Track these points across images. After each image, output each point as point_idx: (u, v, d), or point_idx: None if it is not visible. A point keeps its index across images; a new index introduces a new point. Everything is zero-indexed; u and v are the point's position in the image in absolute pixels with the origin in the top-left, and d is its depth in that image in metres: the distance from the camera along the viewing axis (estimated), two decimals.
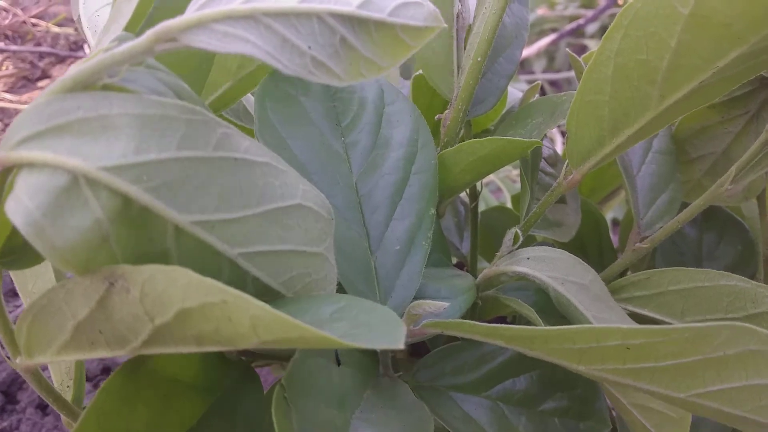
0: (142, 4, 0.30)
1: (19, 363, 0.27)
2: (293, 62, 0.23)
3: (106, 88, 0.24)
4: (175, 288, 0.22)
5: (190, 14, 0.23)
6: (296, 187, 0.27)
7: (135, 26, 0.33)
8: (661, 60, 0.30)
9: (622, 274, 0.47)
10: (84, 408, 0.28)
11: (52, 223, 0.22)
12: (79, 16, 0.40)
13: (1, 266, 0.28)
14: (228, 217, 0.25)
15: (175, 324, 0.23)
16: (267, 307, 0.21)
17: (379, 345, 0.22)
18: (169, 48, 0.23)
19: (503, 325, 0.27)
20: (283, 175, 0.27)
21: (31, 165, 0.22)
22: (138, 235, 0.23)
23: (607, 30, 0.32)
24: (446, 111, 0.43)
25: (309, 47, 0.23)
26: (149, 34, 0.23)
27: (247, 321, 0.21)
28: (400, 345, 0.21)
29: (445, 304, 0.31)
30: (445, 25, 0.24)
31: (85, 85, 0.23)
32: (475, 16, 0.42)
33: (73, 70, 0.23)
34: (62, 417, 0.33)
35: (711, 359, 0.25)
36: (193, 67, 0.37)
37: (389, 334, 0.22)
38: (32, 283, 0.37)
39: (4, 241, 0.27)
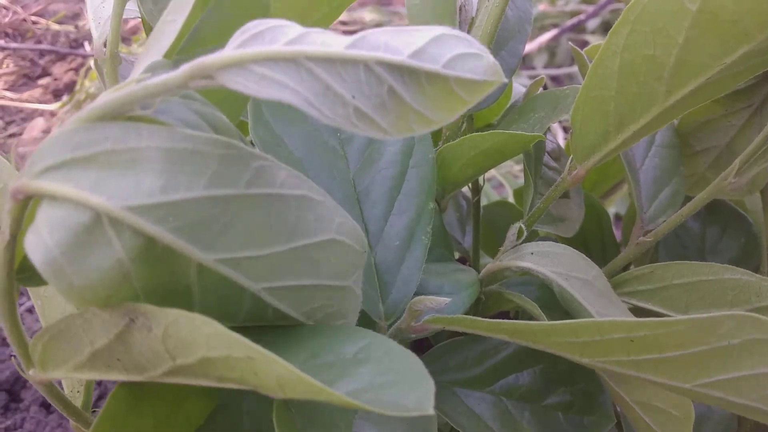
0: (185, 25, 0.29)
1: (33, 375, 0.27)
2: (335, 112, 0.21)
3: (136, 119, 0.23)
4: (199, 336, 0.21)
5: (229, 52, 0.21)
6: (332, 220, 0.26)
7: (177, 41, 0.32)
8: (668, 56, 0.30)
9: (625, 268, 0.46)
10: (93, 412, 0.28)
11: (70, 263, 0.21)
12: (86, 6, 0.39)
13: (18, 282, 0.27)
14: (255, 255, 0.24)
15: (198, 367, 0.22)
16: (293, 369, 0.20)
17: (406, 407, 0.20)
18: (204, 85, 0.22)
19: (505, 320, 0.27)
20: (318, 208, 0.26)
21: (53, 197, 0.21)
22: (160, 271, 0.22)
23: (614, 25, 0.32)
24: None
25: (353, 97, 0.21)
26: (185, 69, 0.21)
27: (274, 380, 0.21)
28: (429, 409, 0.20)
29: (447, 299, 0.31)
30: (506, 80, 0.22)
31: (114, 116, 0.22)
32: (478, 9, 0.42)
33: (104, 98, 0.22)
34: (71, 422, 0.33)
35: (716, 349, 0.24)
36: (232, 94, 0.36)
37: (418, 391, 0.21)
38: (44, 287, 0.36)
39: (22, 259, 0.26)
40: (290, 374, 0.20)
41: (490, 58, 0.22)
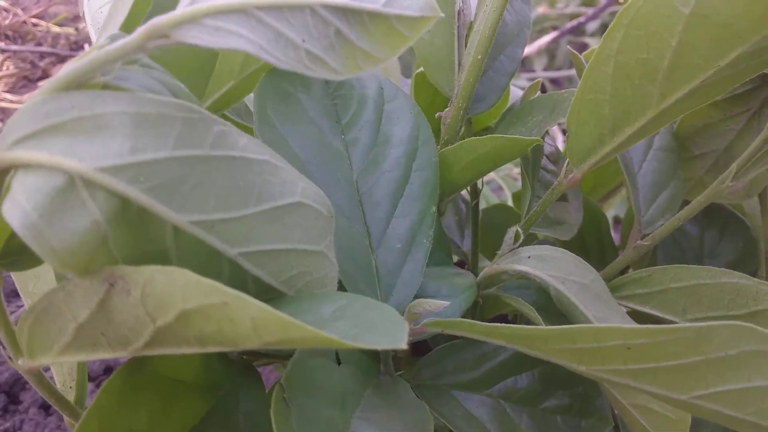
0: (139, 3, 0.30)
1: (22, 364, 0.27)
2: (288, 56, 0.23)
3: (103, 87, 0.24)
4: (175, 289, 0.22)
5: (181, 10, 0.22)
6: (296, 184, 0.27)
7: (134, 25, 0.33)
8: (662, 59, 0.30)
9: (624, 271, 0.46)
10: (86, 408, 0.28)
11: (49, 225, 0.22)
12: (84, 12, 0.40)
13: (1, 268, 0.28)
14: (227, 217, 0.24)
15: (177, 325, 0.23)
16: (267, 307, 0.21)
17: (381, 345, 0.21)
18: (162, 45, 0.22)
19: (503, 324, 0.27)
20: (282, 173, 0.27)
21: (27, 166, 0.22)
22: (137, 235, 0.23)
23: (608, 29, 0.32)
24: (447, 109, 0.43)
25: (303, 40, 0.23)
26: (140, 31, 0.22)
27: (249, 322, 0.21)
28: (403, 345, 0.21)
29: (446, 303, 0.31)
30: (442, 15, 0.24)
31: (79, 84, 0.23)
32: (476, 14, 0.42)
33: (67, 68, 0.23)
34: (65, 417, 0.33)
35: (713, 360, 0.24)
36: (195, 69, 0.37)
37: (391, 334, 0.22)
38: (33, 283, 0.36)
39: (4, 243, 0.27)
40: (264, 313, 0.21)
41: None
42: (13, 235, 0.27)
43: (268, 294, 0.27)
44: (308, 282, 0.28)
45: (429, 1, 0.23)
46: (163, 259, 0.24)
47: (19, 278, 0.38)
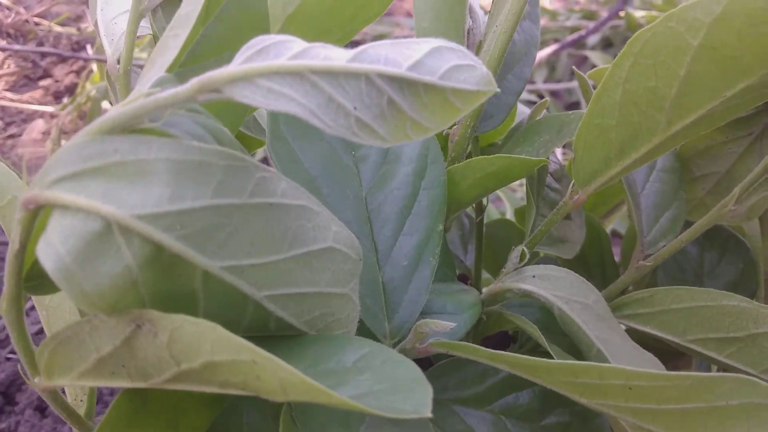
0: (188, 38, 0.29)
1: (38, 383, 0.27)
2: (337, 122, 0.23)
3: (145, 131, 0.24)
4: (203, 341, 0.22)
5: (236, 67, 0.22)
6: (328, 228, 0.27)
7: (181, 53, 0.33)
8: (670, 88, 0.31)
9: (624, 290, 0.47)
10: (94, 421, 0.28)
11: (82, 269, 0.22)
12: (96, 21, 0.40)
13: (25, 291, 0.28)
14: (258, 262, 0.25)
15: (202, 371, 0.23)
16: (296, 372, 0.20)
17: (406, 413, 0.21)
18: (212, 98, 0.22)
19: (506, 353, 0.28)
20: (316, 218, 0.27)
21: (64, 207, 0.22)
22: (166, 278, 0.23)
23: (617, 57, 0.32)
24: (455, 126, 0.43)
25: (355, 108, 0.22)
26: (193, 83, 0.22)
27: (277, 382, 0.21)
28: (427, 412, 0.21)
29: (452, 324, 0.31)
30: (498, 90, 0.23)
31: (123, 128, 0.23)
32: (485, 33, 0.42)
33: (114, 112, 0.23)
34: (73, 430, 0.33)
35: (713, 408, 0.25)
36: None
37: (415, 397, 0.22)
38: (49, 297, 0.37)
39: (29, 267, 0.27)
40: (293, 377, 0.21)
41: (483, 68, 0.23)
42: (38, 261, 0.27)
43: (288, 332, 0.28)
44: (330, 323, 0.28)
45: (485, 75, 0.23)
46: (189, 299, 0.24)
47: None
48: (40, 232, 0.22)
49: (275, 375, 0.21)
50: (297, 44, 0.23)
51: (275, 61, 0.22)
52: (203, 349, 0.22)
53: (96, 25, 0.40)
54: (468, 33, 0.42)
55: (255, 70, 0.22)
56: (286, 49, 0.23)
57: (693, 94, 0.31)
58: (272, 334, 0.28)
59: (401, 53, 0.23)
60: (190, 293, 0.24)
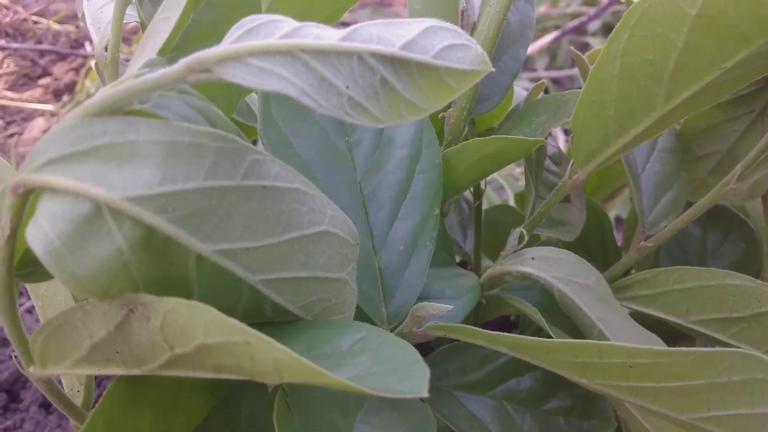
0: (178, 22, 0.29)
1: (33, 372, 0.27)
2: (329, 102, 0.22)
3: (135, 113, 0.23)
4: (197, 323, 0.21)
5: (226, 46, 0.22)
6: (323, 212, 0.27)
7: (171, 39, 0.32)
8: (668, 60, 0.30)
9: (627, 272, 0.46)
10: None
11: (71, 253, 0.21)
12: (83, 12, 0.40)
13: (18, 279, 0.28)
14: (251, 246, 0.24)
15: (195, 355, 0.22)
16: (290, 351, 0.20)
17: (402, 392, 0.21)
18: (202, 78, 0.22)
19: (505, 333, 0.27)
20: (311, 201, 0.26)
21: (53, 190, 0.21)
22: (159, 262, 0.23)
23: (614, 30, 0.32)
24: (450, 109, 0.43)
25: (347, 87, 0.22)
26: (182, 63, 0.22)
27: (271, 363, 0.21)
28: (424, 392, 0.21)
29: (449, 307, 0.31)
30: (493, 69, 0.23)
31: (113, 110, 0.23)
32: (479, 14, 0.42)
33: (102, 94, 0.22)
34: (71, 421, 0.33)
35: (715, 384, 0.25)
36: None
37: (413, 378, 0.22)
38: (45, 286, 0.36)
39: (21, 255, 0.27)
40: (287, 357, 0.20)
41: (478, 47, 0.23)
42: (30, 249, 0.27)
43: (284, 317, 0.27)
44: (327, 308, 0.28)
45: (480, 55, 0.23)
46: (183, 283, 0.24)
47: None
48: (30, 218, 0.22)
49: (269, 356, 0.21)
50: (287, 24, 0.23)
51: (266, 41, 0.22)
52: (196, 331, 0.22)
53: (83, 16, 0.39)
54: (462, 14, 0.42)
55: (245, 49, 0.22)
56: (277, 29, 0.22)
57: (691, 66, 0.30)
58: (269, 320, 0.27)
59: (394, 33, 0.22)
60: (183, 278, 0.23)
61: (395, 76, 0.22)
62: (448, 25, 0.23)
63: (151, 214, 0.22)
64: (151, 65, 0.25)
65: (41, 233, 0.21)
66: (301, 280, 0.26)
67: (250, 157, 0.24)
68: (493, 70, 0.23)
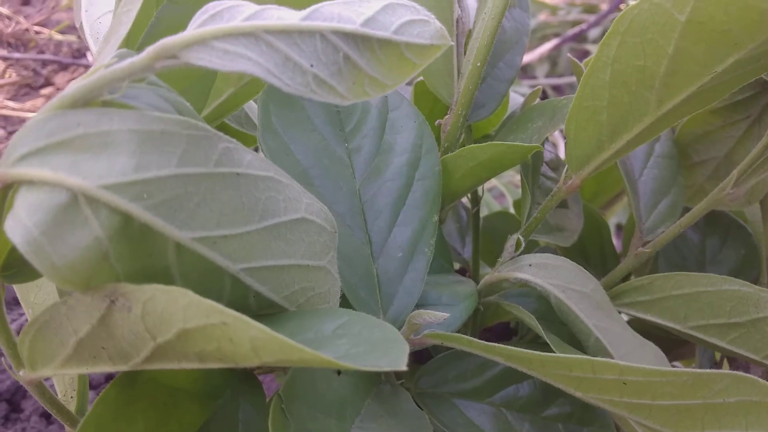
0: (142, 15, 0.29)
1: (23, 376, 0.27)
2: (294, 80, 0.23)
3: (107, 104, 0.24)
4: (175, 308, 0.22)
5: (191, 31, 0.22)
6: (299, 200, 0.27)
7: (136, 37, 0.33)
8: (659, 66, 0.30)
9: (625, 278, 0.46)
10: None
11: (50, 242, 0.22)
12: (81, 23, 0.40)
13: (3, 280, 0.28)
14: (230, 233, 0.24)
15: (177, 342, 0.23)
16: (266, 329, 0.20)
17: (381, 366, 0.21)
18: (170, 65, 0.22)
19: (500, 345, 0.27)
20: (286, 189, 0.27)
21: (30, 182, 0.22)
22: (138, 251, 0.23)
23: (604, 36, 0.32)
24: (446, 116, 0.43)
25: (311, 65, 0.23)
26: (149, 51, 0.22)
27: (248, 342, 0.21)
28: (403, 366, 0.21)
29: (445, 315, 0.31)
30: (452, 43, 0.24)
31: (85, 102, 0.23)
32: (475, 21, 0.42)
33: (74, 86, 0.23)
34: (66, 428, 0.33)
35: (710, 404, 0.25)
36: (198, 77, 0.37)
37: (392, 354, 0.22)
38: (34, 293, 0.37)
39: (6, 256, 0.27)
40: (263, 334, 0.21)
41: (437, 23, 0.24)
42: (14, 248, 0.27)
43: (269, 309, 0.27)
44: (310, 297, 0.28)
45: (439, 30, 0.23)
46: (165, 274, 0.24)
47: (20, 288, 0.38)
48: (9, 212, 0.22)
49: (246, 335, 0.21)
50: (249, 7, 0.23)
51: (229, 24, 0.22)
52: (176, 317, 0.22)
53: (80, 26, 0.40)
54: (457, 21, 0.42)
55: (210, 33, 0.22)
56: (239, 12, 0.23)
57: (682, 71, 0.30)
58: (254, 312, 0.27)
59: (354, 11, 0.23)
60: (164, 269, 0.24)
61: (358, 52, 0.23)
62: (407, 1, 0.24)
63: (127, 201, 0.22)
64: (120, 57, 0.25)
65: (20, 225, 0.22)
66: (283, 268, 0.27)
67: (222, 145, 0.25)
68: (452, 43, 0.24)
